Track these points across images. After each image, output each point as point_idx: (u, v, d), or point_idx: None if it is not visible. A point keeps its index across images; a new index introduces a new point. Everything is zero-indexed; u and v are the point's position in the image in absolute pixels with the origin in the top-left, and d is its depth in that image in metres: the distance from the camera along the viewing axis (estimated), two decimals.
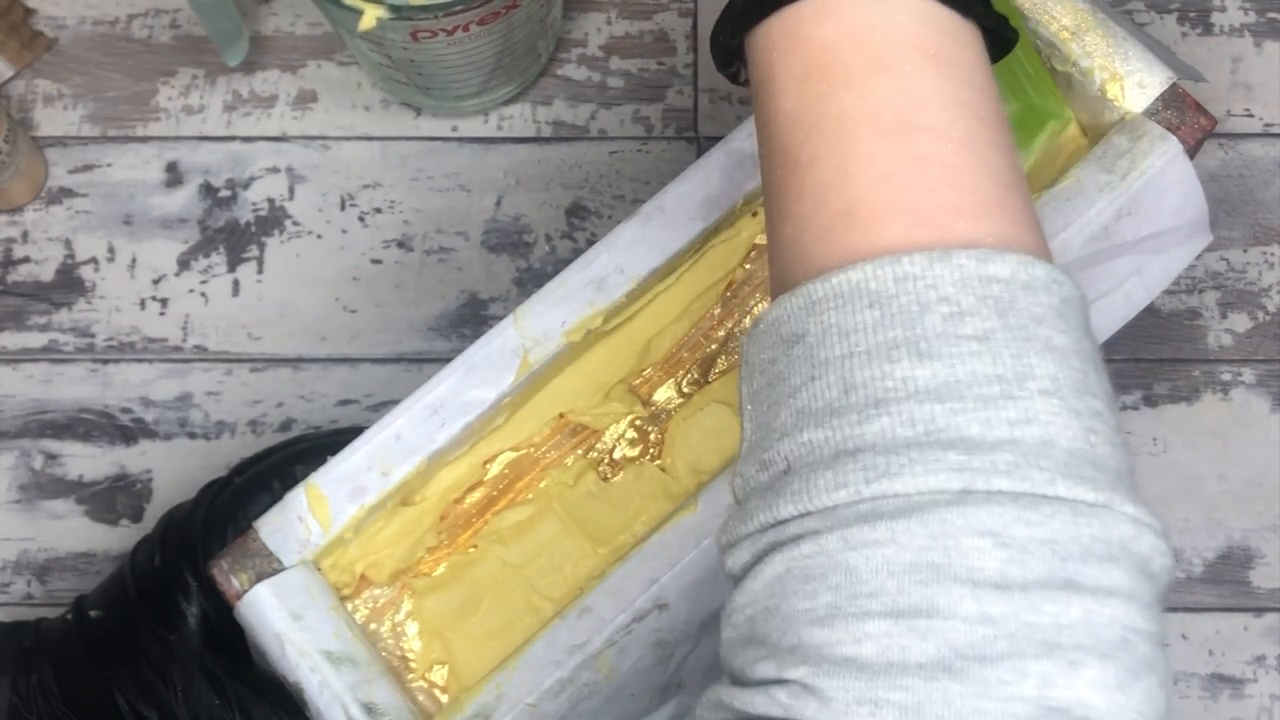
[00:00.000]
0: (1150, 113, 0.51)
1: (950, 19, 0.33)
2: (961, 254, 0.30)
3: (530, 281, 0.64)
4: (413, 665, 0.50)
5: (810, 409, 0.30)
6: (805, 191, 0.33)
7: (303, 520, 0.48)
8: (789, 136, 0.33)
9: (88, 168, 0.66)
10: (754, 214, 0.53)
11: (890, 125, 0.32)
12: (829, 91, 0.32)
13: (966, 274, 0.30)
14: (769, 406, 0.32)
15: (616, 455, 0.52)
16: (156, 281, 0.65)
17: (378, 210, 0.66)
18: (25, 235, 0.65)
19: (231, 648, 0.51)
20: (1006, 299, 0.30)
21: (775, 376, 0.32)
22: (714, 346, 0.53)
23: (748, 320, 0.53)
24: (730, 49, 0.36)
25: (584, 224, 0.65)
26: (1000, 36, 0.35)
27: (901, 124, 0.32)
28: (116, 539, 0.62)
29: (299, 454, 0.54)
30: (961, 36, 0.34)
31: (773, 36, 0.34)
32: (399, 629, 0.51)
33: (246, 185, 0.66)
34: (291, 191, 0.66)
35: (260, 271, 0.65)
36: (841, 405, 0.30)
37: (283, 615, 0.47)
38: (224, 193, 0.66)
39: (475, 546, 0.51)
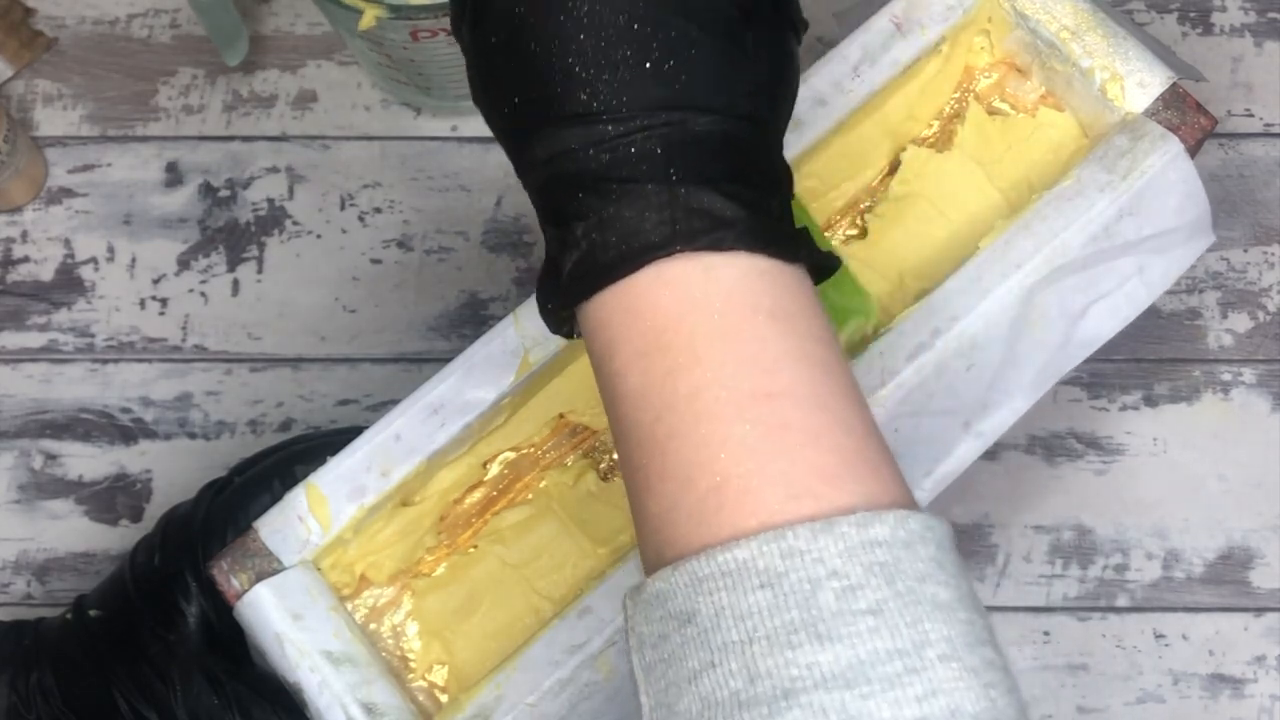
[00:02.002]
0: (1150, 113, 0.51)
1: (779, 269, 0.33)
2: (843, 522, 0.30)
3: (530, 281, 0.64)
4: (413, 665, 0.50)
5: (715, 698, 0.30)
6: (669, 469, 0.32)
7: (303, 520, 0.48)
8: (641, 414, 0.33)
9: (88, 168, 0.66)
10: None
11: (745, 396, 0.32)
12: (676, 368, 0.32)
13: (850, 543, 0.30)
14: (667, 686, 0.31)
15: (616, 455, 0.52)
16: (156, 281, 0.65)
17: (378, 210, 0.66)
18: (25, 235, 0.65)
19: (231, 648, 0.51)
20: (891, 562, 0.30)
21: (670, 655, 0.31)
22: None
23: None
24: (562, 316, 0.35)
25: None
26: (824, 267, 0.36)
27: (755, 393, 0.32)
28: (116, 539, 0.62)
29: (299, 454, 0.54)
30: (793, 284, 0.34)
31: (608, 310, 0.33)
32: (399, 629, 0.50)
33: (246, 185, 0.66)
34: (291, 191, 0.66)
35: (260, 271, 0.65)
36: (749, 697, 0.29)
37: (283, 615, 0.46)
38: (224, 192, 0.66)
39: (475, 546, 0.51)
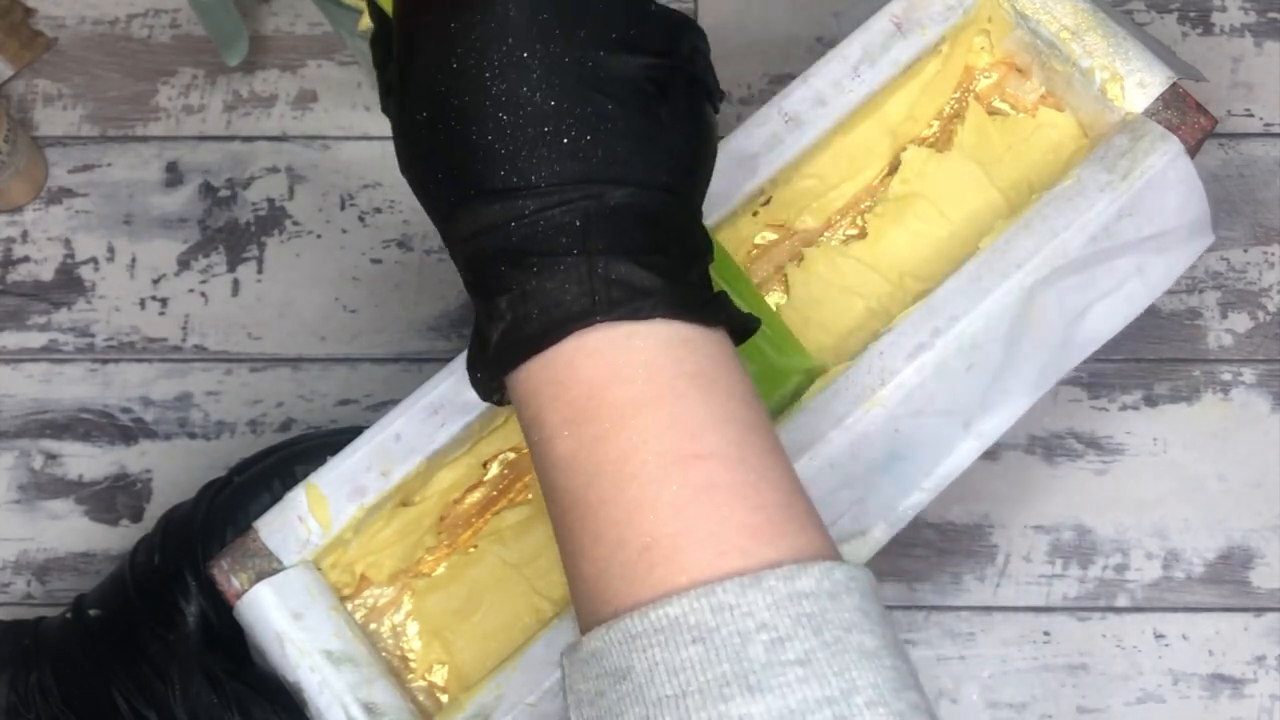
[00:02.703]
0: (1151, 112, 0.51)
1: (700, 335, 0.34)
2: (770, 576, 0.31)
3: None
4: (413, 665, 0.50)
5: None
6: (601, 533, 0.33)
7: (303, 520, 0.48)
8: (572, 480, 0.34)
9: (88, 167, 0.66)
10: (754, 214, 0.53)
11: (671, 459, 0.33)
12: (604, 434, 0.33)
13: (778, 596, 0.31)
14: None
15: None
16: (156, 281, 0.65)
17: (378, 210, 0.66)
18: (25, 235, 0.65)
19: (230, 647, 0.51)
20: (818, 613, 0.31)
21: (607, 710, 0.32)
22: None
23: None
24: (490, 386, 0.36)
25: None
26: (744, 329, 0.37)
27: (681, 457, 0.33)
28: (116, 539, 0.62)
29: (299, 454, 0.54)
30: (713, 348, 0.35)
31: (535, 381, 0.34)
32: (399, 629, 0.50)
33: (246, 185, 0.66)
34: (291, 191, 0.66)
35: (260, 271, 0.65)
36: None
37: (283, 614, 0.46)
38: (224, 192, 0.66)
39: (475, 546, 0.51)
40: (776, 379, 0.49)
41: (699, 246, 0.36)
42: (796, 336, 0.49)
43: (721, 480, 0.33)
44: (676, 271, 0.34)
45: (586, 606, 0.34)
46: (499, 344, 0.35)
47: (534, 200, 0.33)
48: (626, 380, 0.33)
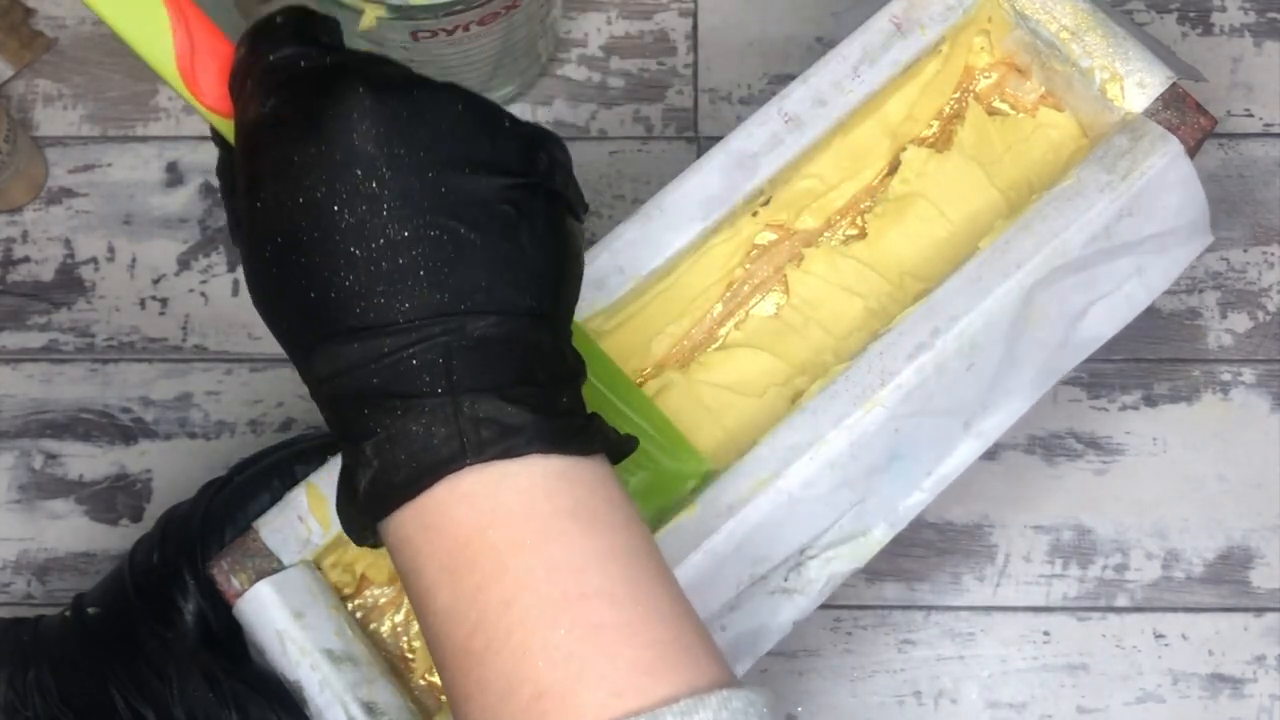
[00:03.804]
0: (1150, 113, 0.51)
1: (576, 465, 0.33)
2: (667, 713, 0.30)
3: None
4: (413, 665, 0.50)
5: None
6: (488, 681, 0.32)
7: (303, 520, 0.48)
8: (455, 628, 0.33)
9: (88, 168, 0.66)
10: (754, 214, 0.53)
11: (557, 602, 0.32)
12: (484, 581, 0.32)
13: None
14: None
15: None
16: (156, 281, 0.65)
17: None
18: (25, 235, 0.65)
19: (228, 646, 0.51)
20: None
21: None
22: (714, 346, 0.53)
23: (747, 319, 0.53)
24: (363, 530, 0.35)
25: (584, 224, 0.65)
26: (621, 451, 0.36)
27: (567, 598, 0.32)
28: (116, 539, 0.62)
29: (299, 454, 0.54)
30: (591, 477, 0.34)
31: (408, 528, 0.33)
32: (399, 629, 0.51)
33: None
34: None
35: None
36: None
37: (284, 613, 0.47)
38: None
39: None
40: (670, 485, 0.48)
41: (569, 369, 0.35)
42: (687, 440, 0.49)
43: (609, 619, 0.32)
44: (547, 401, 0.33)
45: None
46: (368, 491, 0.33)
47: (393, 338, 0.32)
48: (503, 523, 0.32)
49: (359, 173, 0.32)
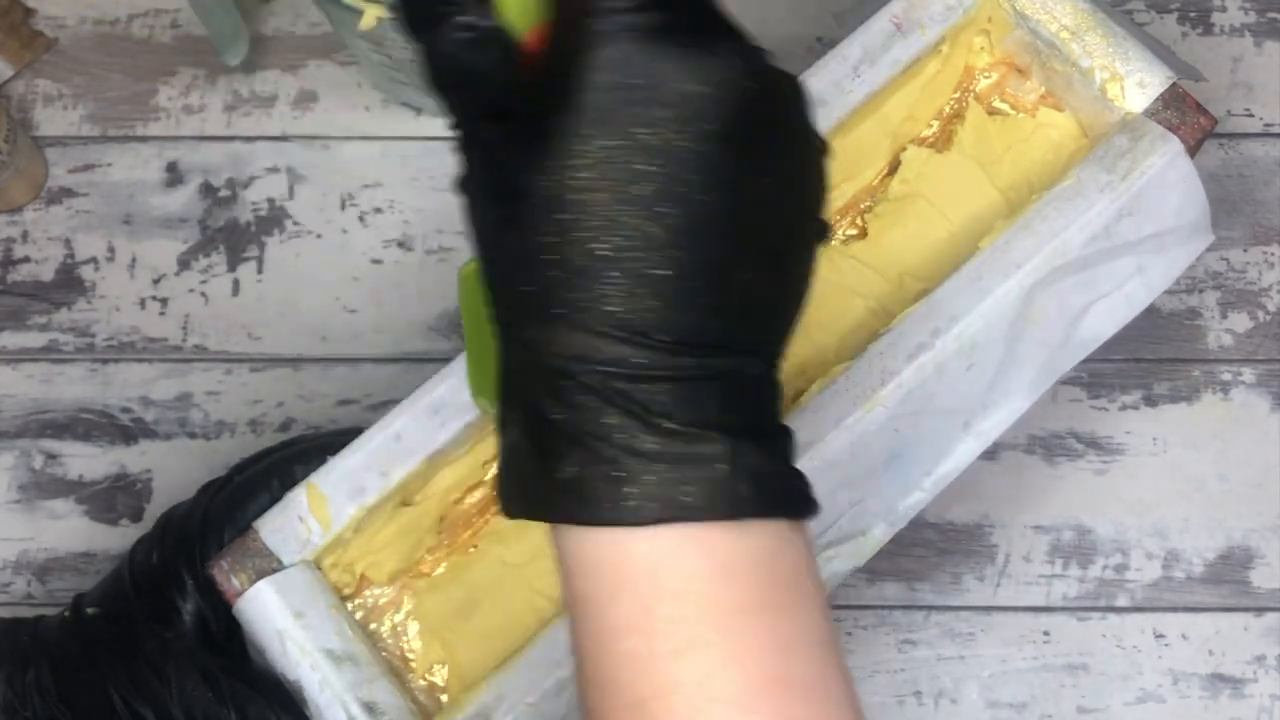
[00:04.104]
0: (1150, 113, 0.51)
1: (794, 531, 0.31)
2: None
3: None
4: (413, 665, 0.50)
5: None
6: None
7: (303, 520, 0.48)
8: (638, 679, 0.30)
9: (88, 167, 0.66)
10: None
11: (759, 683, 0.30)
12: (688, 646, 0.30)
13: None
14: None
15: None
16: (156, 281, 0.65)
17: (378, 210, 0.66)
18: (25, 235, 0.65)
19: (227, 645, 0.51)
20: None
21: None
22: None
23: None
24: (533, 513, 0.31)
25: None
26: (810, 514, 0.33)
27: (769, 680, 0.30)
28: (116, 539, 0.62)
29: (298, 454, 0.54)
30: (802, 546, 0.31)
31: (619, 553, 0.30)
32: (399, 629, 0.51)
33: (246, 185, 0.66)
34: (291, 191, 0.66)
35: (260, 271, 0.65)
36: None
37: (284, 613, 0.47)
38: (224, 192, 0.66)
39: (475, 546, 0.51)
40: None
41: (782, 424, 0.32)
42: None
43: (799, 713, 0.30)
44: (779, 454, 0.31)
45: None
46: (583, 496, 0.29)
47: (668, 357, 0.29)
48: (731, 584, 0.30)
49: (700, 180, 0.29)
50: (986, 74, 0.55)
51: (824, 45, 0.66)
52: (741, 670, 0.29)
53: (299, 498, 0.48)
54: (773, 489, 0.30)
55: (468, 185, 0.32)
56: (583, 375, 0.29)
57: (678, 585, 0.30)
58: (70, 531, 0.62)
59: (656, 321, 0.29)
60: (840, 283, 0.53)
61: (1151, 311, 0.59)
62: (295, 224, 0.65)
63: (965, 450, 0.50)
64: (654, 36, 0.28)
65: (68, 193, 0.66)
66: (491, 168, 0.30)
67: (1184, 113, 0.51)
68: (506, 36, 0.29)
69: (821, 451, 0.47)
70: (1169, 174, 0.50)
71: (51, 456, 0.63)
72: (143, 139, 0.66)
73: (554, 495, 0.30)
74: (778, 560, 0.31)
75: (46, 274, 0.65)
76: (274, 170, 0.66)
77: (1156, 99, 0.51)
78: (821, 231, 0.33)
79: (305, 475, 0.49)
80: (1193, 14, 0.68)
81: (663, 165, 0.28)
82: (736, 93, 0.29)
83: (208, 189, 0.66)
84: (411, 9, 0.29)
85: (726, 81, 0.29)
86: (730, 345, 0.30)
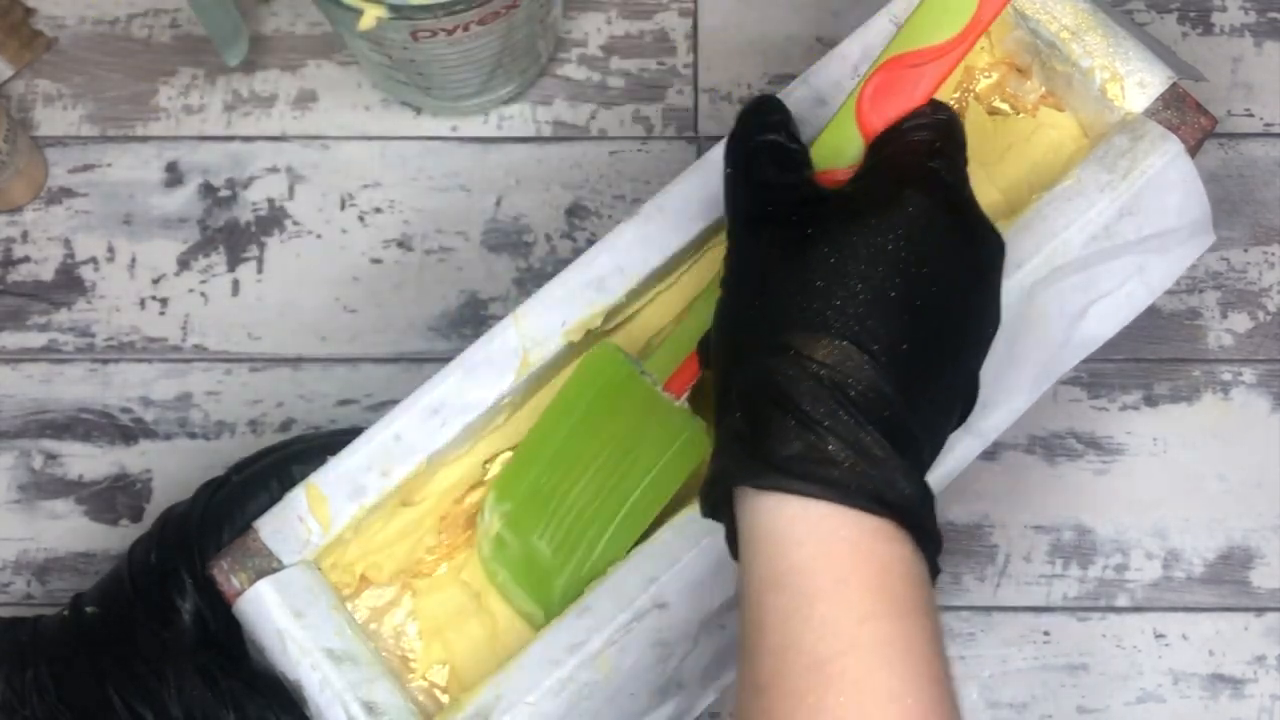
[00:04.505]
0: (1151, 112, 0.51)
1: (924, 541, 0.38)
2: None
3: (530, 281, 0.64)
4: (413, 665, 0.50)
5: None
6: (824, 706, 0.35)
7: (303, 520, 0.48)
8: (819, 642, 0.36)
9: (88, 167, 0.66)
10: None
11: (890, 693, 0.35)
12: (877, 613, 0.36)
13: None
14: None
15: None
16: (156, 281, 0.65)
17: (378, 210, 0.66)
18: (25, 235, 0.65)
19: (226, 645, 0.51)
20: None
21: None
22: None
23: None
24: (734, 489, 0.38)
25: (584, 224, 0.65)
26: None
27: (908, 685, 0.35)
28: (116, 539, 0.62)
29: (297, 454, 0.54)
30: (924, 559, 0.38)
31: (826, 527, 0.36)
32: (399, 629, 0.50)
33: (246, 185, 0.66)
34: (291, 191, 0.66)
35: (260, 271, 0.65)
36: None
37: (284, 612, 0.47)
38: (224, 192, 0.66)
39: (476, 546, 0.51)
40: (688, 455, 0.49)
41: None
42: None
43: (944, 711, 0.36)
44: (922, 472, 0.38)
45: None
46: (805, 475, 0.36)
47: (891, 385, 0.37)
48: (906, 579, 0.37)
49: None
50: (986, 74, 0.55)
51: (824, 45, 0.67)
52: (906, 644, 0.35)
53: (299, 498, 0.48)
54: (934, 524, 0.38)
55: (759, 227, 0.40)
56: (824, 377, 0.36)
57: (872, 564, 0.36)
58: (70, 531, 0.62)
59: (888, 355, 0.37)
60: None
61: (1152, 311, 0.59)
62: (295, 224, 0.65)
63: (965, 450, 0.50)
64: (957, 197, 0.40)
65: (68, 193, 0.66)
66: (795, 223, 0.39)
67: (1184, 113, 0.51)
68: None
69: None
70: (1169, 174, 0.50)
71: (51, 456, 0.63)
72: (143, 139, 0.66)
73: (776, 472, 0.36)
74: (926, 576, 0.38)
75: (46, 274, 0.65)
76: (274, 170, 0.66)
77: (1157, 99, 0.51)
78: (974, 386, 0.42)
79: (305, 475, 0.49)
80: (1193, 14, 0.68)
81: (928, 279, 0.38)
82: (995, 267, 0.40)
83: (208, 189, 0.66)
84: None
85: (988, 258, 0.40)
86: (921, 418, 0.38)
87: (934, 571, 0.38)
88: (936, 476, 0.50)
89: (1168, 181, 0.50)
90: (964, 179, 0.40)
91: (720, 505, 0.39)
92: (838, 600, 0.35)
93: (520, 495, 0.50)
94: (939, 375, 0.38)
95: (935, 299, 0.38)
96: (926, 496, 0.37)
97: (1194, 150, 0.50)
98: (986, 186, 0.53)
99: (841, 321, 0.36)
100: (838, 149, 0.42)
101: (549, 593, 0.49)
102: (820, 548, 0.36)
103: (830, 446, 0.36)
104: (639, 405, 0.48)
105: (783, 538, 0.36)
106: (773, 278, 0.38)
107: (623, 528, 0.48)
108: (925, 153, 0.40)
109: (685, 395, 0.48)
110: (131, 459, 0.63)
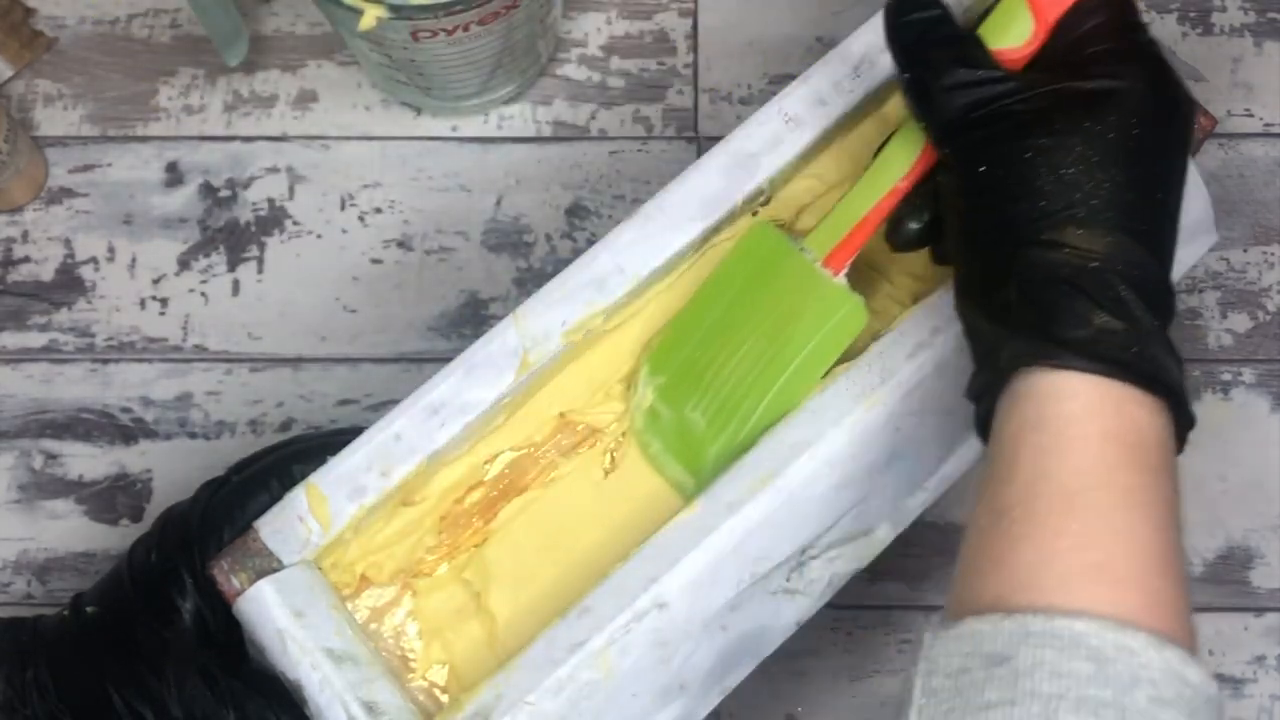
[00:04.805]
0: None
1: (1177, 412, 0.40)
2: (1171, 650, 0.34)
3: (530, 281, 0.64)
4: (413, 665, 0.50)
5: None
6: (1065, 530, 0.37)
7: (303, 520, 0.48)
8: (1070, 477, 0.38)
9: (88, 168, 0.66)
10: (754, 214, 0.53)
11: (1170, 508, 0.39)
12: (1128, 463, 0.39)
13: (1171, 668, 0.34)
14: (948, 710, 0.35)
15: (617, 454, 0.52)
16: (156, 281, 0.65)
17: (378, 210, 0.66)
18: (25, 235, 0.65)
19: (226, 645, 0.51)
20: (1192, 704, 0.34)
21: (965, 685, 0.35)
22: None
23: None
24: (1017, 362, 0.40)
25: (584, 224, 0.65)
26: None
27: (1172, 522, 0.39)
28: (116, 539, 0.62)
29: (297, 454, 0.54)
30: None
31: (1099, 392, 0.39)
32: (399, 629, 0.50)
33: (246, 185, 0.66)
34: (291, 191, 0.66)
35: (260, 271, 0.65)
36: None
37: (285, 612, 0.46)
38: (224, 192, 0.66)
39: (477, 546, 0.51)
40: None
41: None
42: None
43: (1175, 568, 0.38)
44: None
45: (991, 585, 0.37)
46: (1065, 344, 0.38)
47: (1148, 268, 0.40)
48: (1148, 450, 0.39)
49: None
50: None
51: (824, 45, 0.67)
52: (1151, 496, 0.39)
53: (299, 498, 0.48)
54: (1190, 406, 0.40)
55: (975, 131, 0.42)
56: (1101, 263, 0.39)
57: (1132, 428, 0.38)
58: (70, 531, 0.62)
59: (1145, 232, 0.40)
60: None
61: None
62: (295, 224, 0.65)
63: (966, 450, 0.50)
64: (1165, 66, 0.42)
65: (68, 193, 0.66)
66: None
67: None
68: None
69: (821, 451, 0.47)
70: None
71: (51, 456, 0.63)
72: (143, 139, 0.66)
73: (1066, 352, 0.39)
74: (1174, 450, 0.41)
75: (46, 274, 0.65)
76: (274, 170, 0.66)
77: None
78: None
79: (305, 475, 0.49)
80: (1193, 14, 0.68)
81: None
82: (1191, 124, 0.43)
83: (208, 189, 0.66)
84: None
85: (1190, 117, 0.43)
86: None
87: (1179, 447, 0.41)
88: (937, 477, 0.50)
89: None
90: (1159, 45, 0.42)
91: (991, 386, 0.41)
92: (1095, 447, 0.37)
93: (675, 368, 0.51)
94: (1174, 242, 0.41)
95: (1165, 168, 0.41)
96: (1183, 375, 0.40)
97: (1194, 150, 0.50)
98: None
99: (1102, 209, 0.39)
100: (1006, 29, 0.43)
101: (701, 462, 0.50)
102: (1088, 406, 0.38)
103: (1113, 327, 0.38)
104: (796, 281, 0.49)
105: (1054, 394, 0.39)
106: (1017, 178, 0.40)
107: (778, 399, 0.49)
108: (1126, 27, 0.41)
109: (844, 271, 0.49)
110: (132, 459, 0.63)
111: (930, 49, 0.43)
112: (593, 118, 0.67)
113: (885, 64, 0.52)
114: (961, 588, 0.38)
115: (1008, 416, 0.40)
